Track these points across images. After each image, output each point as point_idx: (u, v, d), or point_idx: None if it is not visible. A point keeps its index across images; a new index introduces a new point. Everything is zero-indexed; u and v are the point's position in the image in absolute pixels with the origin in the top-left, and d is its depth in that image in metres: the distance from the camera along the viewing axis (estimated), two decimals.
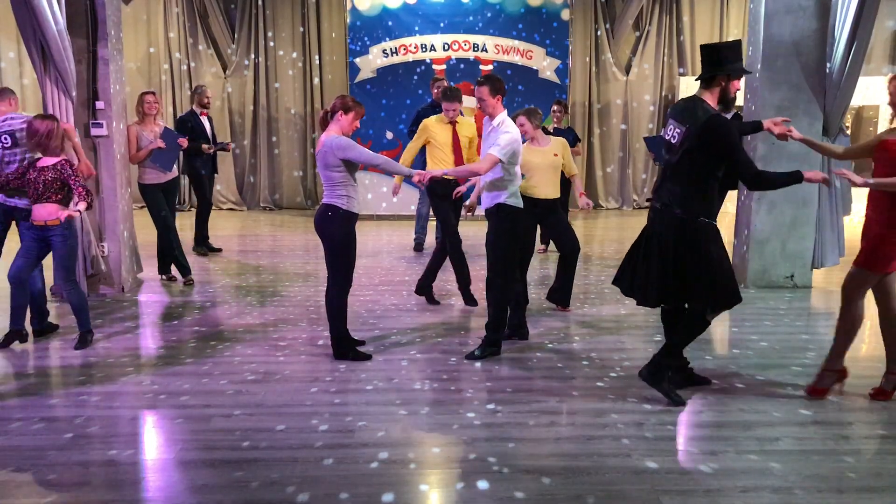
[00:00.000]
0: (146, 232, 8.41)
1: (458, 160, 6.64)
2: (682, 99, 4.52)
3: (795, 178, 4.22)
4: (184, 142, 7.78)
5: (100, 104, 6.88)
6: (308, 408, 4.37)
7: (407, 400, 4.51)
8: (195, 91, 9.29)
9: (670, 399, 4.46)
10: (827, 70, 7.18)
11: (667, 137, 4.39)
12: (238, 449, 3.83)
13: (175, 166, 7.69)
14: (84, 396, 4.55)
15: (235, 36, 13.59)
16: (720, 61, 4.28)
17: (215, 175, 9.48)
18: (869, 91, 12.20)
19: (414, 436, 4.02)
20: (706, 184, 4.27)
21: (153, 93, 7.65)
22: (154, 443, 3.97)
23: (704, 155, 4.21)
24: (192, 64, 13.56)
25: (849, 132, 7.88)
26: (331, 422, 4.17)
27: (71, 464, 3.66)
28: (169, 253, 7.59)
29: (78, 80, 6.64)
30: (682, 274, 4.29)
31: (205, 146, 8.80)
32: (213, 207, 13.60)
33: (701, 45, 4.46)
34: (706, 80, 4.33)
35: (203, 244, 9.38)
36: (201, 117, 9.04)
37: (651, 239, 4.41)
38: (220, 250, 9.51)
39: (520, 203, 5.24)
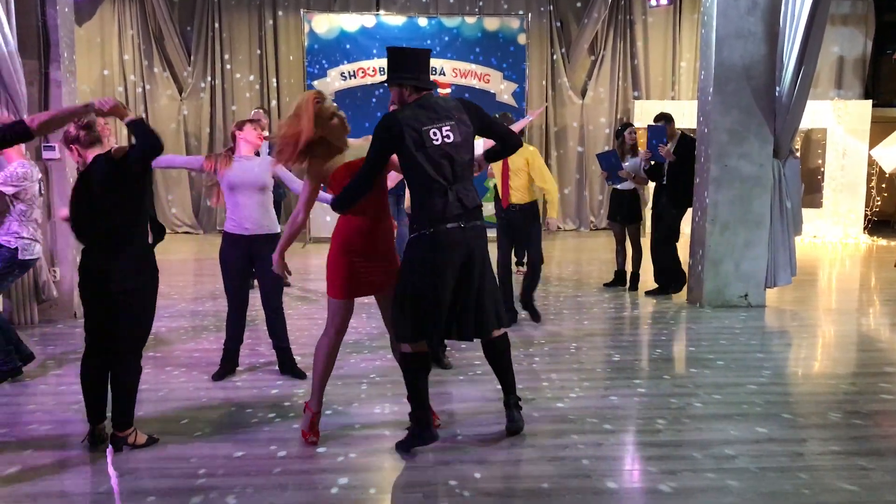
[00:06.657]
0: None
1: (505, 189, 6.60)
2: (427, 96, 3.89)
3: None
4: None
5: None
6: (266, 433, 4.31)
7: (367, 423, 4.47)
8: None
9: None
10: (776, 94, 7.36)
11: (436, 142, 3.78)
12: (193, 476, 3.75)
13: None
14: (34, 425, 4.42)
15: (192, 58, 13.49)
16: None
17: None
18: (817, 115, 12.54)
19: (374, 460, 3.98)
20: None
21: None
22: (104, 472, 3.87)
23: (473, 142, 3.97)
24: (148, 86, 13.43)
25: (798, 154, 8.06)
26: (289, 448, 4.11)
27: (19, 496, 3.55)
28: None
29: (29, 103, 6.52)
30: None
31: None
32: (168, 231, 13.51)
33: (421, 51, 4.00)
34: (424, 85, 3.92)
35: None
36: None
37: (474, 262, 3.93)
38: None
39: None
